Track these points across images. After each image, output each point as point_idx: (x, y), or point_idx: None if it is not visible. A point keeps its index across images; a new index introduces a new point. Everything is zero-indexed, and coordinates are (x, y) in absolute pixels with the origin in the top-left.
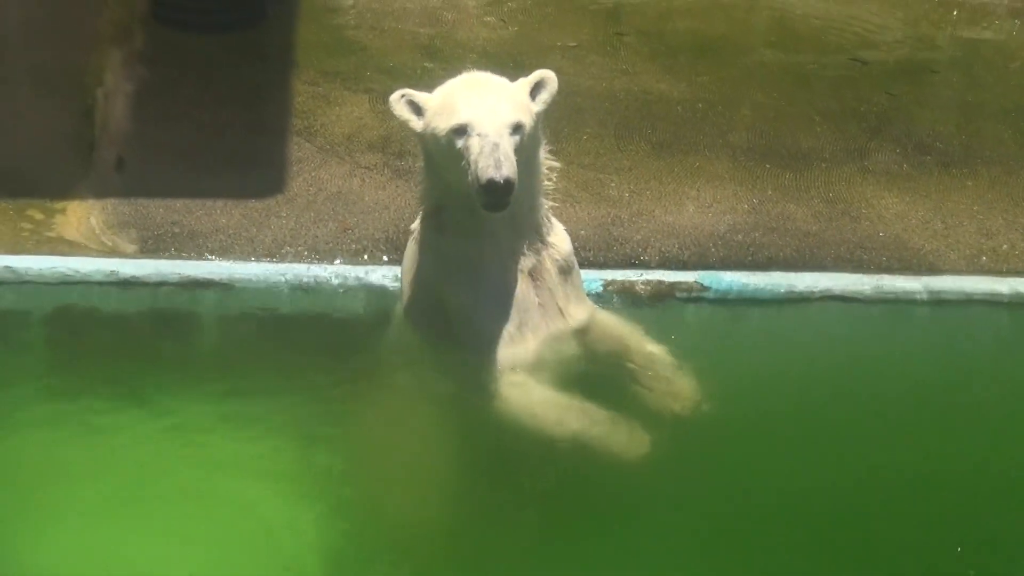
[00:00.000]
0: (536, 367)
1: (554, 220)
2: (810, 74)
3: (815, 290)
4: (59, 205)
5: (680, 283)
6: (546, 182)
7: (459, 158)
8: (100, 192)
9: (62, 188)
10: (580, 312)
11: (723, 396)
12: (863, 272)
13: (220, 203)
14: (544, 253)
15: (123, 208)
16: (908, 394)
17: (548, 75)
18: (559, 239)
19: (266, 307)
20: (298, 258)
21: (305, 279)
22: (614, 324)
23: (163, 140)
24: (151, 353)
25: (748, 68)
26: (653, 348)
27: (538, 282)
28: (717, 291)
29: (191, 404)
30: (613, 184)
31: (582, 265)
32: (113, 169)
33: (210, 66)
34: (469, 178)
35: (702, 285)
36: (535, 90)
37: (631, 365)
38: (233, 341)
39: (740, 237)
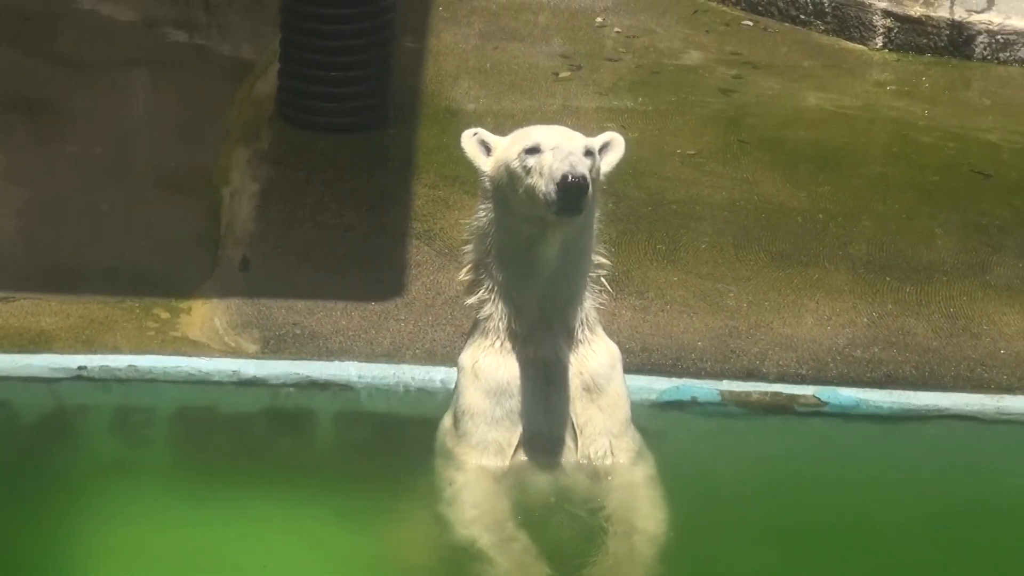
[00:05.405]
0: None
1: (599, 333)
2: (932, 186)
3: (934, 408)
4: (185, 304)
5: (798, 396)
6: (592, 284)
7: (529, 174)
8: (224, 292)
9: (188, 287)
10: (598, 445)
11: (837, 512)
12: (983, 391)
13: (340, 305)
14: (571, 357)
15: (246, 308)
16: None
17: (616, 137)
18: (592, 352)
19: (384, 409)
20: (415, 361)
21: (423, 382)
22: (638, 499)
23: (286, 240)
24: (269, 453)
25: (869, 179)
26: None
27: (554, 384)
28: (835, 406)
29: (307, 507)
30: (731, 294)
31: (697, 375)
32: (238, 269)
33: (334, 167)
34: (541, 189)
35: (819, 399)
36: (603, 150)
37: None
38: (349, 443)
39: (859, 352)
